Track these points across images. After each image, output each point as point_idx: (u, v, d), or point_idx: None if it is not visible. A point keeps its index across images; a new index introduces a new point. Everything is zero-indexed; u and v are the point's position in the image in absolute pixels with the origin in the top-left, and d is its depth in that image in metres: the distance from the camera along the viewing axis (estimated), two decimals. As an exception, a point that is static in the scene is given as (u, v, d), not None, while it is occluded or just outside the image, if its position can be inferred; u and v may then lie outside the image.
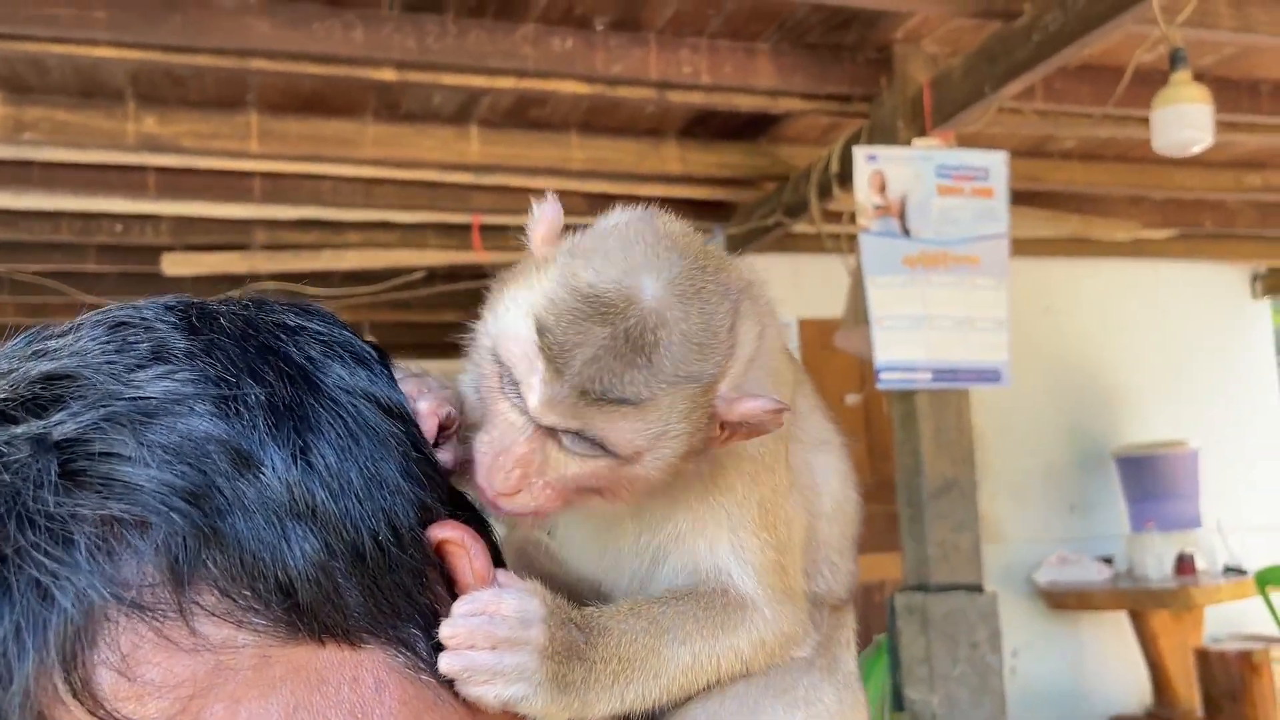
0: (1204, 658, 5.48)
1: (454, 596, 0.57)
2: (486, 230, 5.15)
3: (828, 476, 0.79)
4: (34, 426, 0.46)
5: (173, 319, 0.53)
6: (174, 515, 0.46)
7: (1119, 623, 6.01)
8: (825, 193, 4.24)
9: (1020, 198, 4.60)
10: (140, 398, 0.48)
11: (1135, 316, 6.71)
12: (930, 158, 3.71)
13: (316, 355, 0.55)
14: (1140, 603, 5.75)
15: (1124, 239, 5.83)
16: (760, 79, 3.77)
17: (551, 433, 0.63)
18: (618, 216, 0.71)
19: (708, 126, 4.46)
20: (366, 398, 0.54)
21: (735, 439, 0.67)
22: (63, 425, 0.46)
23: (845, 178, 3.98)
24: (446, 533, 0.56)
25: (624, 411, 0.61)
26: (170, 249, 5.05)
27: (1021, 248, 4.57)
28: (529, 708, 0.58)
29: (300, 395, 0.52)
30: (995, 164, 3.78)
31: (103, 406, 0.47)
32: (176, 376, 0.49)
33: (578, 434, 0.63)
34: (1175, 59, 3.13)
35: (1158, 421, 6.52)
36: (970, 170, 3.74)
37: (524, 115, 4.22)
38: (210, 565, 0.46)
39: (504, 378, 0.65)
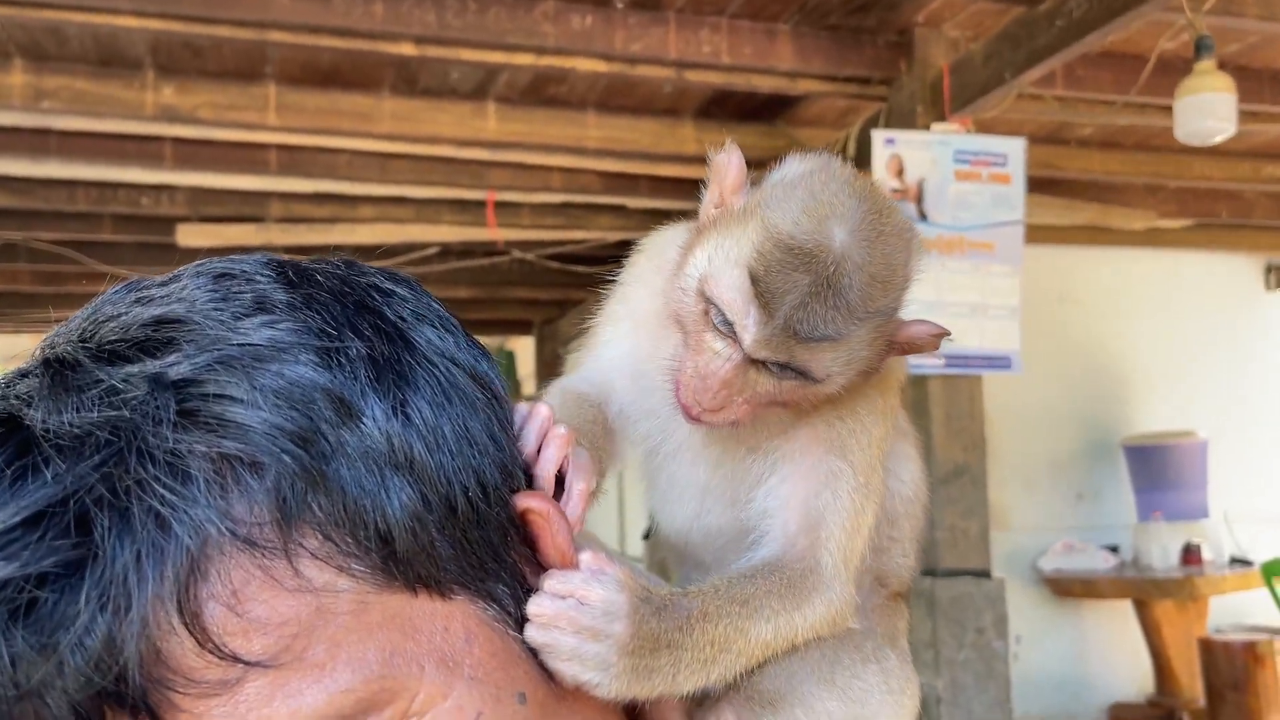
0: (1208, 647, 5.49)
1: (537, 561, 0.59)
2: (501, 207, 5.14)
3: (906, 464, 0.85)
4: (149, 366, 0.48)
5: (271, 273, 0.54)
6: (284, 457, 0.47)
7: (1123, 612, 6.02)
8: (842, 176, 4.23)
9: (1037, 185, 4.58)
10: (248, 344, 0.49)
11: (1148, 306, 6.68)
12: (948, 143, 3.70)
13: (408, 317, 0.56)
14: (1145, 592, 5.76)
15: (1140, 228, 5.81)
16: (779, 60, 3.76)
17: (755, 361, 0.74)
18: (799, 165, 0.78)
19: (725, 107, 4.44)
20: (455, 361, 0.56)
21: (893, 354, 0.78)
22: (178, 366, 0.48)
23: (862, 161, 3.96)
24: (532, 502, 0.58)
25: (824, 345, 0.72)
26: (186, 220, 5.06)
27: (1036, 235, 4.55)
28: (600, 693, 0.60)
29: (397, 352, 0.53)
30: (1014, 150, 3.76)
31: (214, 350, 0.48)
32: (279, 326, 0.50)
33: (783, 364, 0.74)
34: (1200, 47, 3.11)
35: (1167, 411, 6.51)
36: (988, 156, 3.73)
37: (541, 92, 4.21)
38: (315, 509, 0.47)
39: (714, 315, 0.75)
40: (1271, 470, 6.91)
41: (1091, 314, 6.52)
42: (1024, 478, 6.15)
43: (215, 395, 0.47)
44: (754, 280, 0.72)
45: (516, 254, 5.80)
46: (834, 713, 0.71)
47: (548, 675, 0.56)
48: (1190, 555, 5.84)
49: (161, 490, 0.45)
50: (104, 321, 0.51)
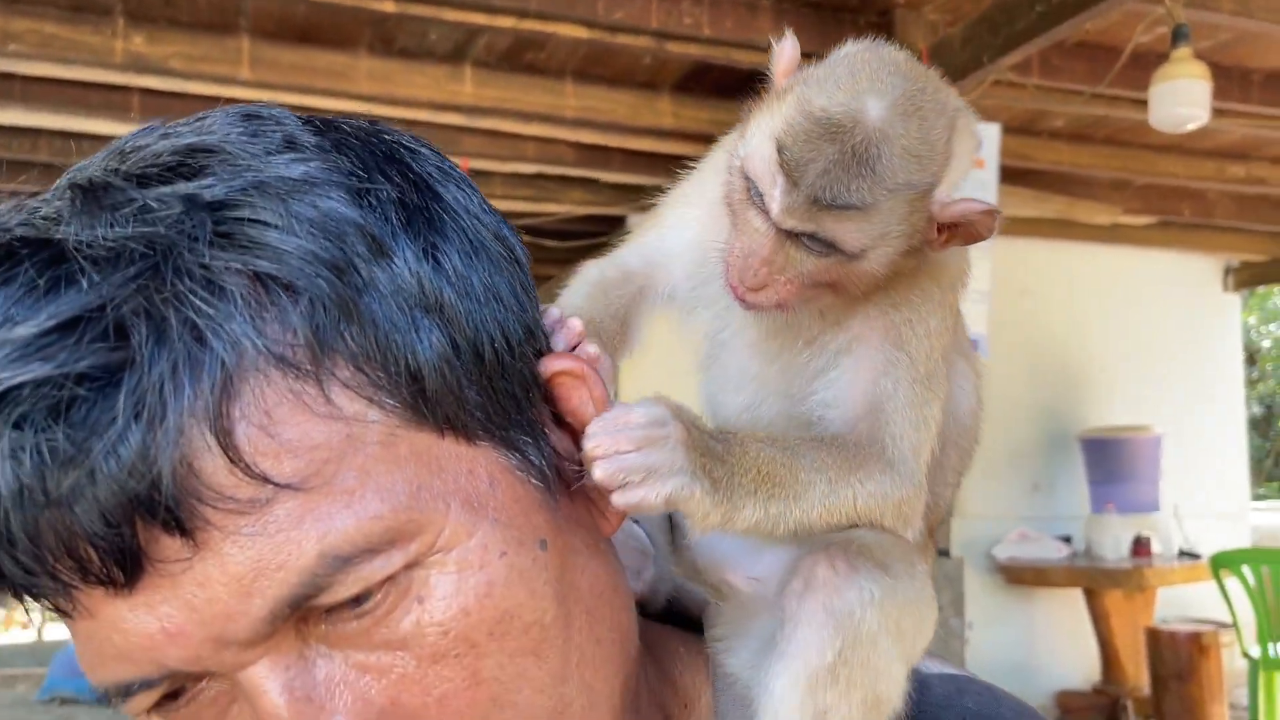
0: (1154, 637, 5.59)
1: (556, 421, 0.59)
2: (473, 175, 5.11)
3: (963, 384, 0.83)
4: (183, 188, 0.47)
5: (297, 118, 0.54)
6: (319, 282, 0.46)
7: (1073, 600, 6.13)
8: (817, 155, 4.25)
9: (1007, 175, 4.63)
10: (282, 174, 0.49)
11: (1109, 302, 6.78)
12: (925, 125, 3.72)
13: (434, 173, 0.56)
14: (1095, 581, 5.86)
15: (1104, 224, 5.89)
16: (760, 35, 3.76)
17: (792, 236, 0.73)
18: (848, 48, 0.77)
19: (703, 82, 4.44)
20: (479, 219, 0.56)
21: (952, 242, 0.76)
22: (212, 189, 0.47)
23: (838, 141, 3.99)
24: (565, 364, 0.58)
25: (851, 215, 0.71)
26: (151, 175, 4.98)
27: (1004, 227, 4.60)
28: (691, 500, 0.61)
29: (425, 200, 0.53)
30: (988, 135, 3.79)
31: (248, 174, 0.48)
32: (310, 163, 0.50)
33: (812, 235, 0.72)
34: (1178, 35, 3.16)
35: (1123, 406, 6.62)
36: (963, 140, 3.76)
37: (520, 58, 4.19)
38: (348, 339, 0.47)
39: (751, 190, 0.74)
40: (1221, 467, 7.06)
41: (1053, 307, 6.60)
42: (982, 466, 6.15)
43: (250, 219, 0.47)
44: (780, 150, 0.72)
45: (486, 225, 5.76)
46: (905, 591, 0.69)
47: (572, 523, 0.56)
48: (1140, 547, 5.95)
49: (199, 303, 0.44)
50: (130, 152, 0.50)
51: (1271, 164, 5.46)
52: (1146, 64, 3.55)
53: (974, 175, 3.74)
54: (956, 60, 3.63)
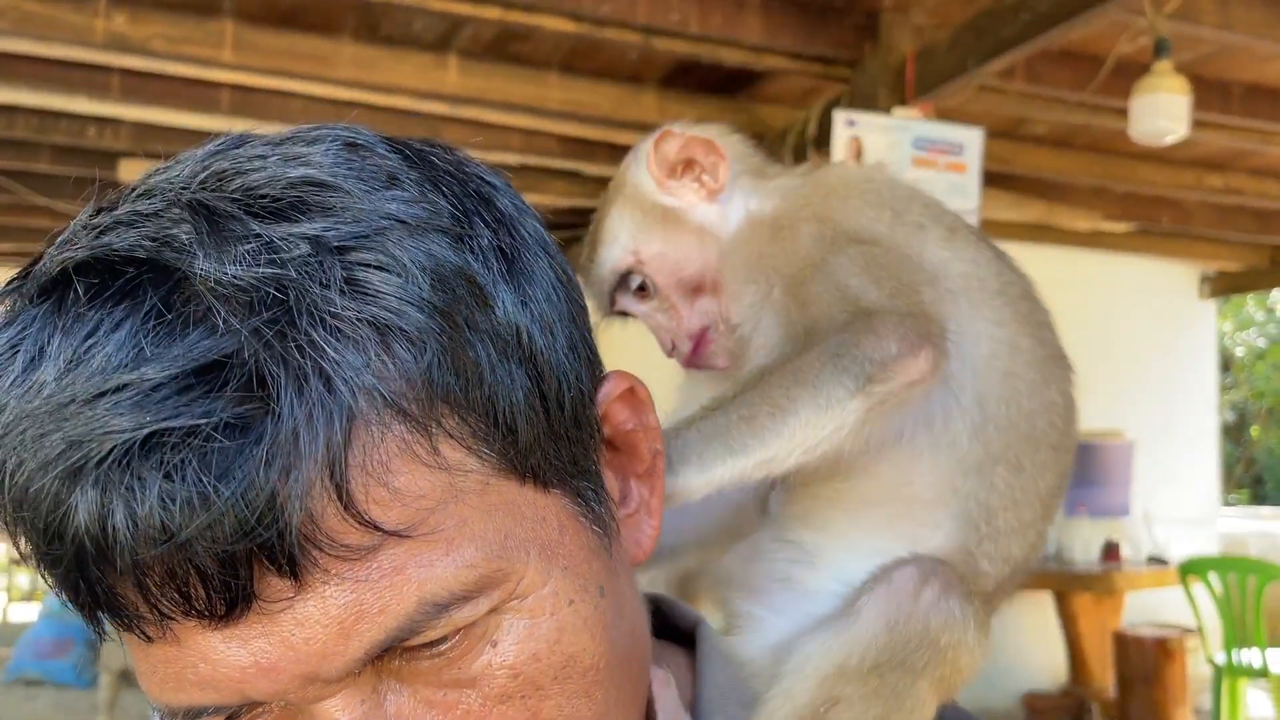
0: (1121, 641, 5.65)
1: (612, 462, 0.60)
2: (456, 164, 5.09)
3: (1008, 352, 0.80)
4: (307, 227, 0.47)
5: (389, 147, 0.53)
6: (435, 333, 0.47)
7: (1041, 603, 6.18)
8: (801, 155, 4.25)
9: (989, 179, 4.65)
10: (394, 217, 0.49)
11: (1085, 307, 6.82)
12: (908, 128, 3.73)
13: (515, 210, 0.56)
14: (1065, 584, 5.91)
15: (1084, 229, 5.93)
16: (747, 33, 3.75)
17: (624, 292, 0.88)
18: None
19: (689, 79, 4.43)
20: (556, 259, 0.57)
21: (692, 173, 0.88)
22: (337, 230, 0.47)
23: (822, 141, 3.99)
24: (626, 383, 0.60)
25: (601, 247, 0.92)
26: (130, 155, 4.93)
27: (984, 230, 4.63)
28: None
29: (516, 245, 0.53)
30: (971, 140, 3.81)
31: (366, 219, 0.48)
32: (417, 206, 0.50)
33: (623, 276, 0.89)
34: (1160, 48, 3.18)
35: (1097, 411, 6.64)
36: (946, 144, 3.77)
37: (505, 49, 4.16)
38: (456, 390, 0.48)
39: (607, 304, 0.92)
40: (1191, 474, 7.12)
41: (1032, 311, 6.62)
42: (956, 467, 6.26)
43: (374, 265, 0.47)
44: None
45: (468, 214, 5.74)
46: (971, 637, 0.72)
47: (614, 566, 0.58)
48: (1110, 552, 6.01)
49: (331, 352, 0.45)
50: (233, 175, 0.49)
51: (1249, 175, 5.51)
52: (1129, 74, 3.57)
53: (953, 179, 3.76)
54: (942, 64, 3.64)
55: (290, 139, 0.52)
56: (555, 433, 0.52)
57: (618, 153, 4.97)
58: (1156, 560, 6.12)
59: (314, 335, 0.44)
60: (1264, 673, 5.02)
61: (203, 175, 0.50)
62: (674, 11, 3.64)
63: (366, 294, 0.46)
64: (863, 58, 3.91)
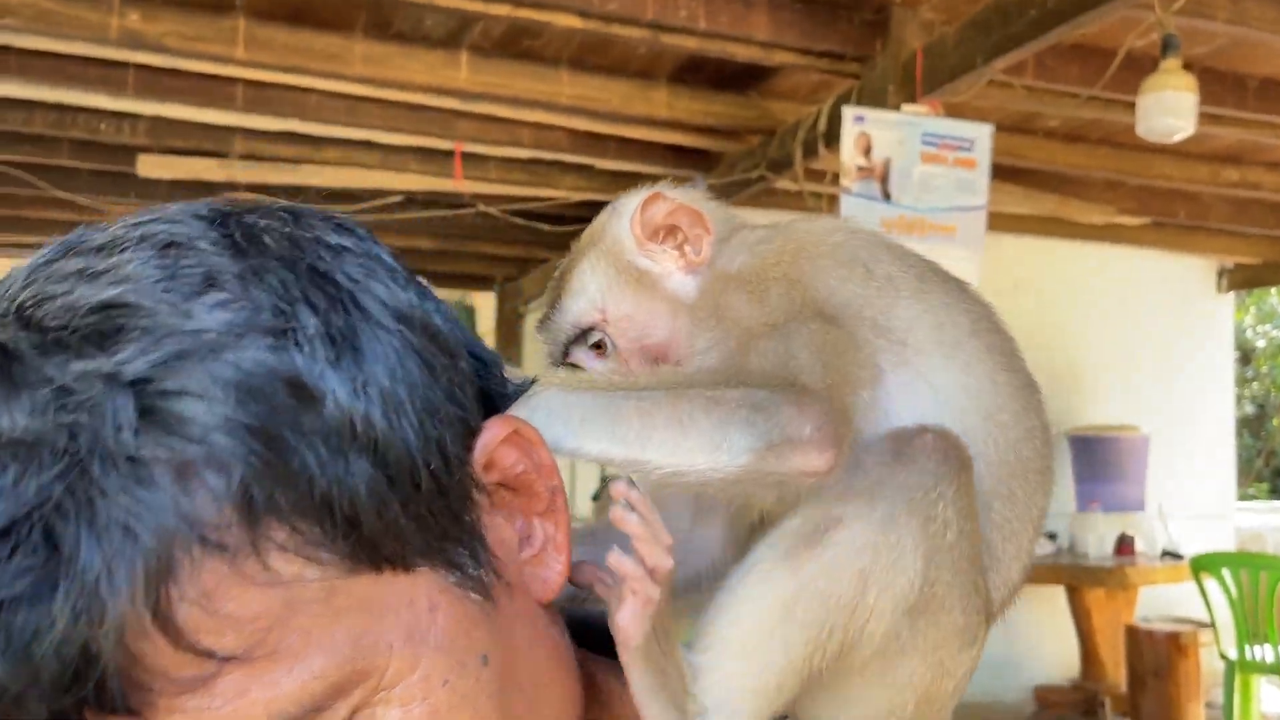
0: (1133, 636, 5.64)
1: (495, 512, 0.58)
2: (468, 158, 5.11)
3: (953, 371, 0.79)
4: (103, 362, 0.46)
5: (216, 236, 0.52)
6: (248, 455, 0.46)
7: (1054, 597, 6.17)
8: (810, 151, 4.25)
9: (1000, 173, 4.64)
10: (202, 330, 0.47)
11: (1101, 300, 6.79)
12: (917, 124, 3.73)
13: (360, 276, 0.54)
14: (1078, 579, 5.90)
15: (1098, 222, 5.90)
16: (755, 29, 3.76)
17: (578, 347, 0.87)
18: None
19: (699, 74, 4.44)
20: (409, 323, 0.54)
21: (682, 242, 0.86)
22: (133, 362, 0.46)
23: (831, 137, 3.99)
24: (508, 427, 0.58)
25: (558, 307, 0.87)
26: (147, 150, 4.98)
27: (996, 223, 4.61)
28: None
29: (353, 323, 0.52)
30: (980, 136, 3.80)
31: (168, 341, 0.47)
32: (232, 306, 0.48)
33: (579, 336, 0.87)
34: (1167, 45, 3.16)
35: (1112, 405, 6.64)
36: (955, 140, 3.76)
37: (515, 45, 4.18)
38: (282, 502, 0.46)
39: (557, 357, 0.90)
40: (1207, 469, 7.09)
41: (1045, 304, 6.61)
42: (969, 461, 6.25)
43: (174, 392, 0.45)
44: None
45: (482, 208, 5.77)
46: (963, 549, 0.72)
47: (510, 628, 0.56)
48: (1124, 546, 6.00)
49: (127, 499, 0.44)
50: (44, 301, 0.48)
51: (1265, 169, 5.47)
52: (1140, 67, 3.55)
53: (962, 176, 3.76)
54: (950, 60, 3.63)
55: (111, 242, 0.51)
56: (413, 512, 0.51)
57: (628, 147, 4.99)
58: (1171, 555, 6.10)
59: (107, 484, 0.43)
60: (1276, 668, 5.00)
61: (19, 299, 0.49)
62: (682, 8, 3.64)
63: (166, 427, 0.45)
64: (872, 54, 3.91)
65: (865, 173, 3.70)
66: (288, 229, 0.54)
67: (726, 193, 4.88)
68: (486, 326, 8.64)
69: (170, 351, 0.46)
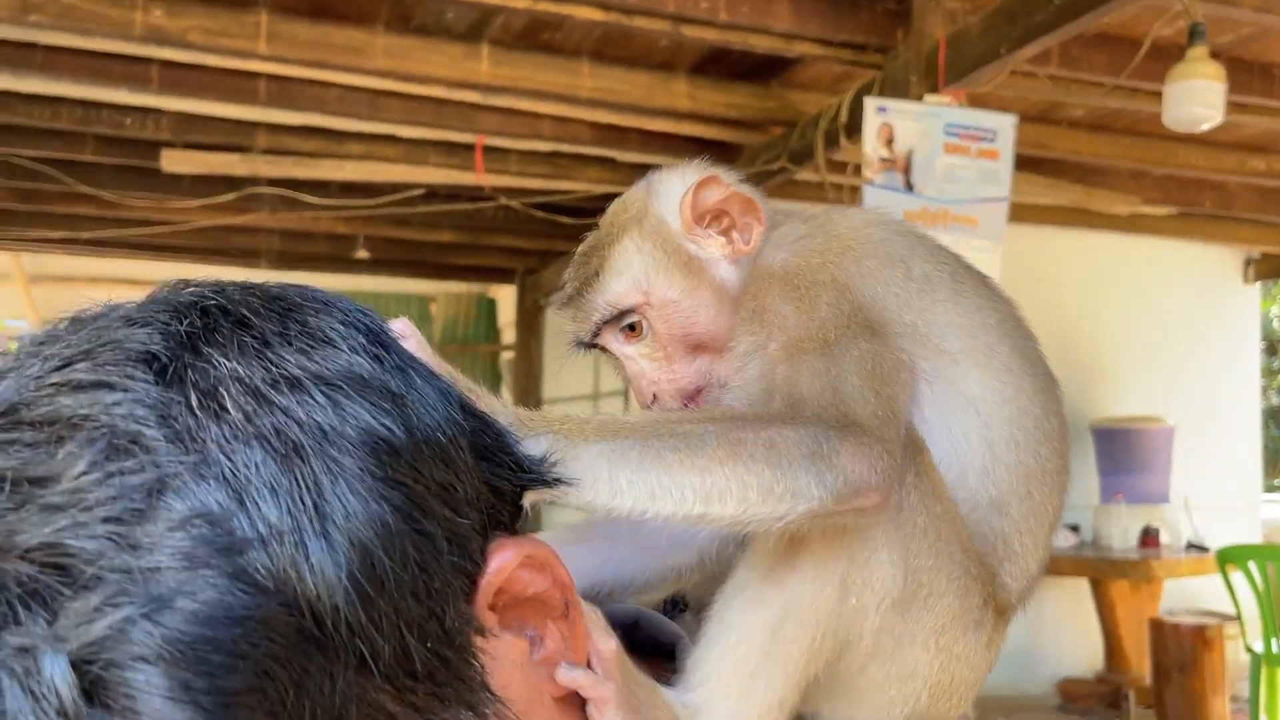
0: (1158, 628, 5.60)
1: (504, 629, 0.57)
2: (490, 151, 5.12)
3: (974, 379, 0.79)
4: (39, 633, 0.41)
5: (164, 415, 0.47)
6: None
7: (1078, 589, 6.14)
8: (832, 142, 4.24)
9: (1024, 163, 4.60)
10: (152, 570, 0.43)
11: (1126, 291, 6.74)
12: (940, 115, 3.71)
13: (332, 421, 0.49)
14: (1102, 571, 5.87)
15: (1123, 213, 5.85)
16: (777, 21, 3.74)
17: (610, 330, 0.86)
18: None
19: (720, 65, 4.43)
20: (389, 470, 0.50)
21: (729, 228, 0.86)
22: (76, 631, 0.41)
23: (853, 129, 3.97)
24: (519, 553, 0.56)
25: (595, 282, 0.86)
26: (170, 145, 5.01)
27: (1019, 213, 4.59)
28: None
29: (325, 507, 0.47)
30: (1004, 127, 3.77)
31: (116, 600, 0.42)
32: (186, 526, 0.44)
33: (612, 318, 0.85)
34: (1194, 33, 3.13)
35: (1137, 396, 6.59)
36: (978, 131, 3.74)
37: (536, 38, 4.18)
38: None
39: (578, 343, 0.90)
40: (1233, 460, 7.03)
41: (1068, 295, 6.57)
42: (992, 453, 6.22)
43: (118, 663, 0.41)
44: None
45: (504, 200, 5.77)
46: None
47: None
48: (1149, 538, 5.96)
49: None
50: None
51: (1294, 158, 5.40)
52: (1166, 56, 3.51)
53: (985, 166, 3.73)
54: (974, 50, 3.61)
55: (46, 421, 0.46)
56: (409, 700, 0.49)
57: (649, 139, 4.98)
58: (1196, 547, 6.05)
59: None
60: (1303, 662, 4.97)
61: None
62: (703, 0, 3.63)
63: (112, 709, 0.41)
64: (895, 44, 3.89)
65: (888, 164, 3.68)
66: (253, 365, 0.50)
67: (749, 184, 4.86)
68: (507, 319, 8.66)
69: (118, 619, 0.41)
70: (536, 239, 6.90)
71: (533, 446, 0.61)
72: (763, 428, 0.66)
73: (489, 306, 8.92)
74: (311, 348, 0.51)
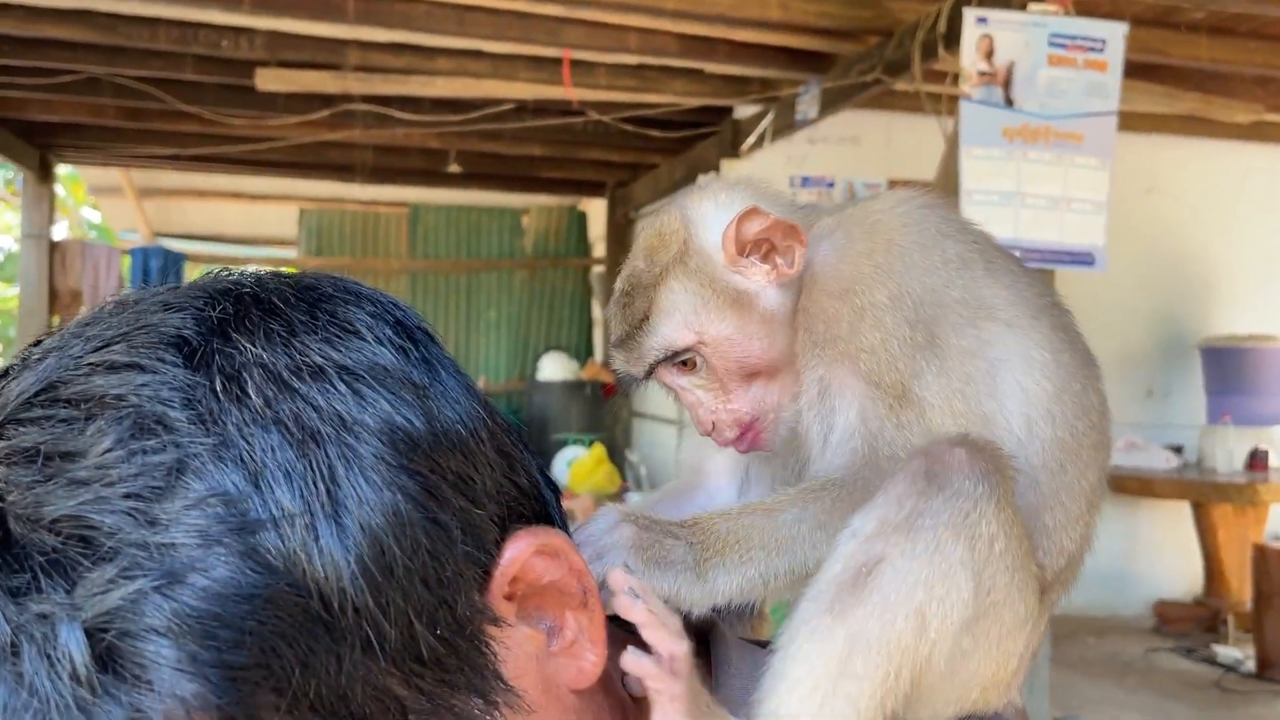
0: (1261, 553, 5.45)
1: (519, 620, 0.58)
2: (577, 65, 5.06)
3: (1011, 370, 0.80)
4: (58, 600, 0.43)
5: (189, 398, 0.48)
6: (220, 696, 0.44)
7: (1178, 511, 6.00)
8: (929, 53, 4.06)
9: (1137, 70, 4.36)
10: (169, 546, 0.44)
11: (1241, 204, 6.41)
12: (1044, 24, 3.53)
13: (354, 411, 0.51)
14: (1204, 494, 5.71)
15: (1243, 121, 5.52)
16: (873, -73, 3.58)
17: (665, 367, 0.86)
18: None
19: (813, -28, 4.27)
20: (407, 459, 0.51)
21: (770, 255, 0.84)
22: (92, 601, 0.43)
23: (951, 39, 3.80)
24: (534, 542, 0.57)
25: (644, 326, 0.85)
26: (264, 64, 5.07)
27: (1128, 121, 4.35)
28: (675, 588, 0.67)
29: (340, 494, 0.49)
30: (1114, 36, 3.58)
31: (132, 572, 0.44)
32: (204, 505, 0.46)
33: (665, 359, 0.85)
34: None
35: (1249, 314, 6.32)
36: (1086, 41, 3.55)
37: (623, -51, 4.09)
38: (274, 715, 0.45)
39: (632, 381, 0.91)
40: (1352, 380, 6.71)
41: (1180, 208, 6.28)
42: (1091, 372, 6.06)
43: (135, 633, 0.43)
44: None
45: (593, 115, 5.72)
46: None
47: None
48: (1256, 461, 5.76)
49: None
50: (8, 491, 0.45)
51: None
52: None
53: (1093, 79, 3.55)
54: (1083, -46, 3.41)
55: (80, 400, 0.47)
56: (419, 685, 0.50)
57: (738, 51, 4.86)
58: (1307, 471, 5.84)
59: None
60: None
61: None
62: (795, -93, 3.49)
63: (126, 679, 0.43)
64: (998, -53, 3.69)
65: (986, 78, 3.53)
66: (278, 352, 0.51)
67: (841, 96, 4.73)
68: (598, 232, 8.65)
69: (134, 589, 0.43)
70: (626, 152, 6.83)
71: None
72: (860, 497, 0.71)
73: (579, 220, 8.92)
74: (338, 337, 0.52)
